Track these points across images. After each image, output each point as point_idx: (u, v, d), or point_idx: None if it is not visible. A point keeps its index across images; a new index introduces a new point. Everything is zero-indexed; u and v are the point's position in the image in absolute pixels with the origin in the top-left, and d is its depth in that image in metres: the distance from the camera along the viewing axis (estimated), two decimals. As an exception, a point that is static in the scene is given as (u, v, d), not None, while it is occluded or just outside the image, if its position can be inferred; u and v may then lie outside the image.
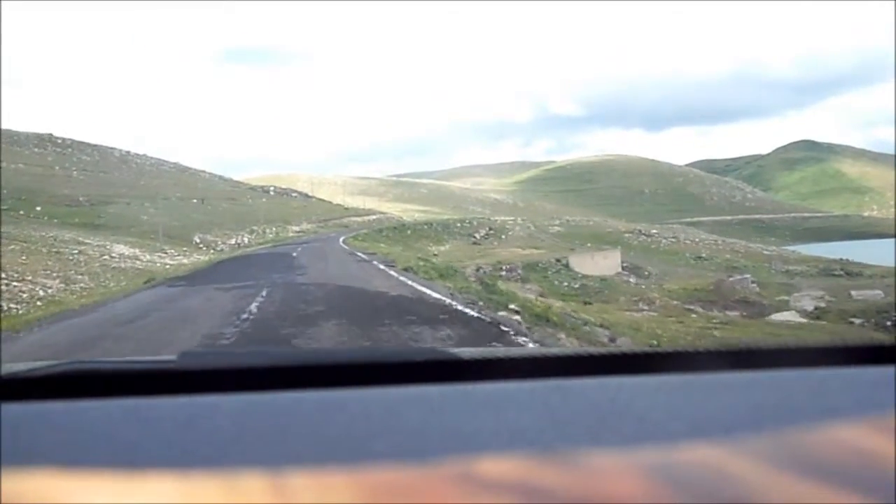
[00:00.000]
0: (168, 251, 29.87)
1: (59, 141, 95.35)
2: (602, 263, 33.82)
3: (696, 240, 50.80)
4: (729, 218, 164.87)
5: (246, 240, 43.27)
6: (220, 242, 39.73)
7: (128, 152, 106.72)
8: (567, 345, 6.50)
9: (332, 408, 0.69)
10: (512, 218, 72.21)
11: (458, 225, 52.92)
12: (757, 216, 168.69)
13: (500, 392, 0.75)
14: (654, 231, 52.09)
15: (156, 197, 59.27)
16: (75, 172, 69.85)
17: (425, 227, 51.10)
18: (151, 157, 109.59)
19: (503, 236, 50.54)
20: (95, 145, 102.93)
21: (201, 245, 37.64)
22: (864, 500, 0.34)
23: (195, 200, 61.44)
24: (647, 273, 38.27)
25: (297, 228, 60.72)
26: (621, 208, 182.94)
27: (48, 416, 0.66)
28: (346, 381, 0.77)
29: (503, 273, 26.95)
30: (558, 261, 31.97)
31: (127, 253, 25.83)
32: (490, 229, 52.38)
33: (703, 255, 43.01)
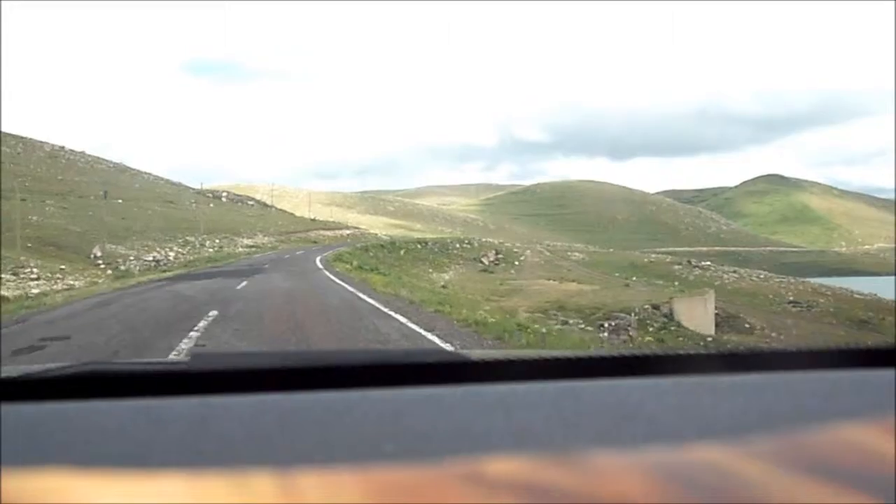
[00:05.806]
0: (21, 271, 17.83)
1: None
2: (704, 312, 22.90)
3: (761, 276, 40.78)
4: (705, 249, 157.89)
5: (171, 255, 31.03)
6: (131, 258, 27.68)
7: (62, 147, 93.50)
8: None
9: (341, 409, 0.69)
10: (502, 240, 61.56)
11: (458, 246, 41.89)
12: (733, 248, 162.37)
13: (510, 393, 0.74)
14: (706, 263, 41.87)
15: (69, 194, 46.29)
16: (-28, 160, 56.33)
17: (419, 246, 39.72)
18: (89, 155, 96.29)
19: (516, 262, 39.65)
20: (22, 137, 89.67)
21: (100, 261, 25.52)
22: (867, 500, 0.35)
23: (121, 200, 48.50)
24: (747, 325, 27.39)
25: (249, 242, 48.49)
26: (595, 235, 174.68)
27: (62, 416, 0.66)
28: (356, 383, 0.77)
29: (605, 328, 15.91)
30: (656, 308, 20.59)
31: (-83, 275, 13.84)
32: (498, 253, 41.34)
33: (791, 297, 32.61)
